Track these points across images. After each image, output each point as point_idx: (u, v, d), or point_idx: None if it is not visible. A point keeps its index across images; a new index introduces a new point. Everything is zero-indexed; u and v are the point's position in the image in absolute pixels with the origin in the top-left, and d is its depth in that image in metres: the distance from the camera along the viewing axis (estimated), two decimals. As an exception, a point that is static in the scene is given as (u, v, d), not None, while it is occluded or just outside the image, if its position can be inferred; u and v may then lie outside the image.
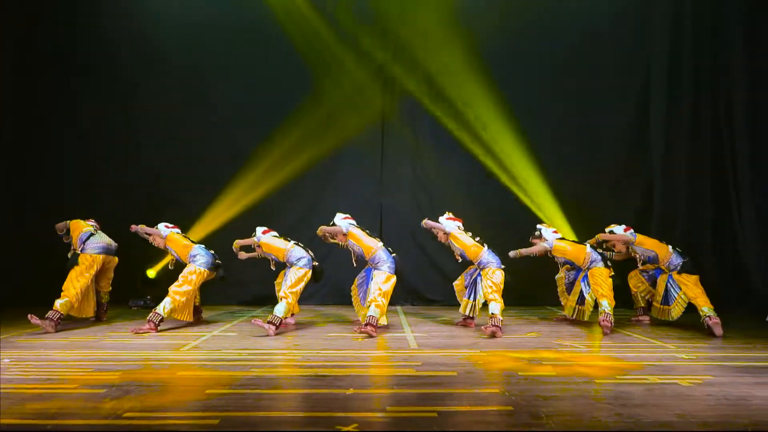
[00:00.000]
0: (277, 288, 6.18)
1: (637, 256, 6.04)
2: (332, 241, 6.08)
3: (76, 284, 5.67)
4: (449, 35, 8.10)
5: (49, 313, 5.44)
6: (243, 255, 6.28)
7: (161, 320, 5.53)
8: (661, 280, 6.00)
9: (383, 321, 5.63)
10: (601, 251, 6.04)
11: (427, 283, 8.06)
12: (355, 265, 6.04)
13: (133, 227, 6.19)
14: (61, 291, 5.61)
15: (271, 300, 6.95)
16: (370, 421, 2.86)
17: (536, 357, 4.39)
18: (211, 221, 7.72)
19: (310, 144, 7.89)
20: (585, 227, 7.50)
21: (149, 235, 6.14)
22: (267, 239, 6.01)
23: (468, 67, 8.01)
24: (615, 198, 7.96)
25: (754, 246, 7.19)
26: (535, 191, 7.83)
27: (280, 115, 7.98)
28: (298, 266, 5.71)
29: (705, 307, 5.56)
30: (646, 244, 5.96)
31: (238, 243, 6.12)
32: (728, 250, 7.47)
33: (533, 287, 7.59)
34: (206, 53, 8.12)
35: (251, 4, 8.14)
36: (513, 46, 8.02)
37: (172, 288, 5.67)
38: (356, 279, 6.08)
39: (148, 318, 5.51)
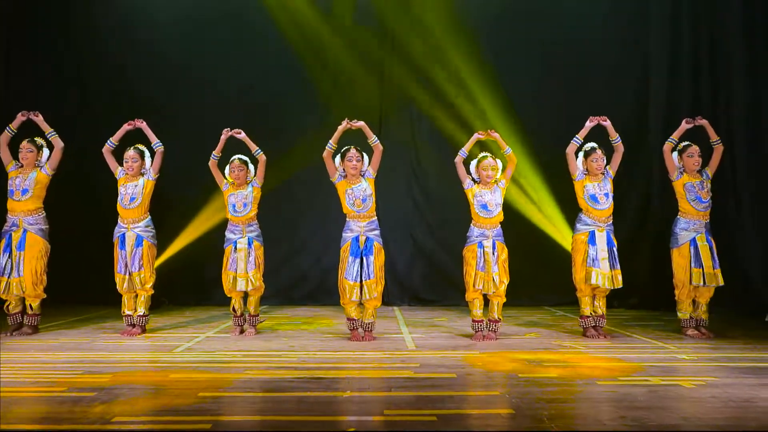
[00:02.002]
0: (229, 282, 5.30)
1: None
2: (352, 165, 5.12)
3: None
4: (448, 33, 8.03)
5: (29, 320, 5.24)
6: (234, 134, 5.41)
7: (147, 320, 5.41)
8: (703, 244, 5.32)
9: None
10: None
11: (425, 283, 7.97)
12: (348, 209, 5.15)
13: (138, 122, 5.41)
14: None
15: (267, 299, 6.87)
16: (367, 424, 2.78)
17: (536, 358, 4.32)
18: (206, 220, 7.63)
19: (305, 143, 7.80)
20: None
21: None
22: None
23: (467, 65, 7.94)
24: (613, 198, 7.90)
25: (753, 246, 7.15)
26: (534, 190, 7.78)
27: (275, 115, 7.90)
28: (260, 243, 5.35)
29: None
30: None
31: (245, 138, 5.37)
32: (727, 249, 7.39)
33: (531, 287, 7.53)
34: (200, 53, 8.02)
35: (246, 2, 8.06)
36: (514, 47, 7.95)
37: (147, 286, 5.28)
38: (345, 271, 5.04)
39: (134, 323, 5.33)
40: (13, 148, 5.43)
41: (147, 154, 5.42)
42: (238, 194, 5.35)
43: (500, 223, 5.19)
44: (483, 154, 5.27)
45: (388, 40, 8.10)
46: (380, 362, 4.22)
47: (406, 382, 3.61)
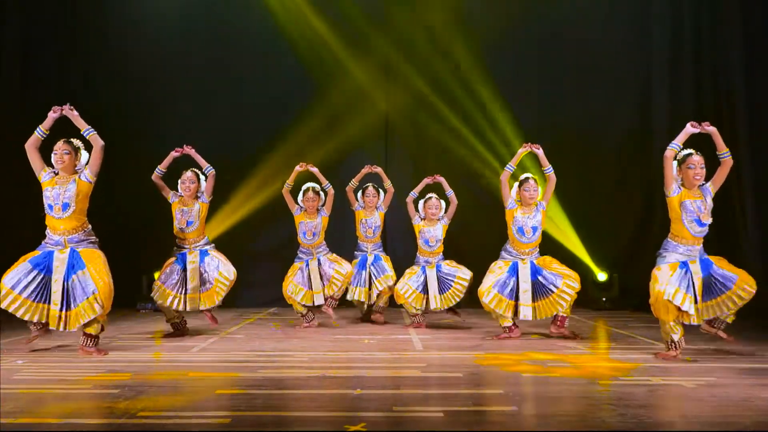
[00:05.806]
0: (296, 293, 5.92)
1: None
2: (369, 200, 6.29)
3: None
4: (454, 38, 8.18)
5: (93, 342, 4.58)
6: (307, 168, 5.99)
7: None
8: (697, 273, 4.44)
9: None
10: None
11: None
12: (361, 234, 6.40)
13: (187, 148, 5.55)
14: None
15: (279, 301, 7.01)
16: (377, 420, 2.92)
17: (540, 358, 4.44)
18: (215, 226, 7.78)
19: (313, 151, 7.95)
20: (587, 231, 7.56)
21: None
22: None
23: (472, 70, 8.08)
24: (616, 201, 8.01)
25: (756, 248, 7.22)
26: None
27: (282, 122, 8.07)
28: (329, 254, 6.05)
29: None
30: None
31: (317, 172, 6.00)
32: (730, 252, 7.46)
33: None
34: (208, 60, 8.20)
35: (253, 7, 8.23)
36: (516, 52, 8.11)
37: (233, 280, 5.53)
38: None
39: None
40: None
41: (202, 177, 5.57)
42: (308, 223, 5.90)
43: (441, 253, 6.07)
44: (429, 195, 5.97)
45: (395, 52, 8.31)
46: (389, 362, 4.36)
47: (415, 380, 3.76)
